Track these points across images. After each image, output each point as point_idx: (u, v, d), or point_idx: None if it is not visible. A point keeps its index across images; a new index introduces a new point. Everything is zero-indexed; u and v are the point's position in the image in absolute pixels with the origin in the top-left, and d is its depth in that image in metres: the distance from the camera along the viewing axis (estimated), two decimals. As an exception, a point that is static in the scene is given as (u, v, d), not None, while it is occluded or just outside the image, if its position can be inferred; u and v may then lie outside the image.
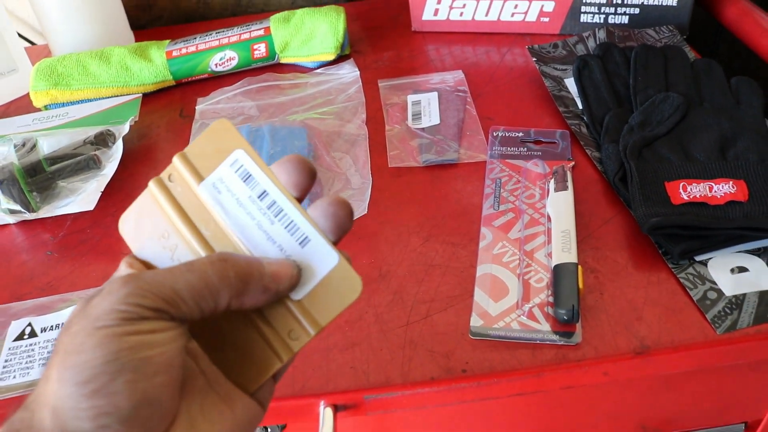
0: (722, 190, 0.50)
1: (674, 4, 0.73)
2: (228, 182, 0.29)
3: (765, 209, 0.48)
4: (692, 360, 0.43)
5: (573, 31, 0.75)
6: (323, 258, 0.28)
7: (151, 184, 0.30)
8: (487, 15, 0.76)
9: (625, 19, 0.75)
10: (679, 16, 0.74)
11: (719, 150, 0.54)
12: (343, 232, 0.29)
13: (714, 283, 0.46)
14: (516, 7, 0.75)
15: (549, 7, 0.75)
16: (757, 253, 0.48)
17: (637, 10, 0.75)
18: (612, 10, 0.75)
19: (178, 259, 0.29)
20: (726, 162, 0.53)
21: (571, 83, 0.67)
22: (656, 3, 0.74)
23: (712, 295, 0.46)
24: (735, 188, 0.50)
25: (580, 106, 0.64)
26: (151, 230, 0.30)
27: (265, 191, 0.29)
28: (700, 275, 0.47)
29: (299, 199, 0.29)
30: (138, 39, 0.82)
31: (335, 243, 0.28)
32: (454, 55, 0.74)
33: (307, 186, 0.29)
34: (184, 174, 0.30)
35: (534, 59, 0.70)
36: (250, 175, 0.29)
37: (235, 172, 0.29)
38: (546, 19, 0.76)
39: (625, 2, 0.74)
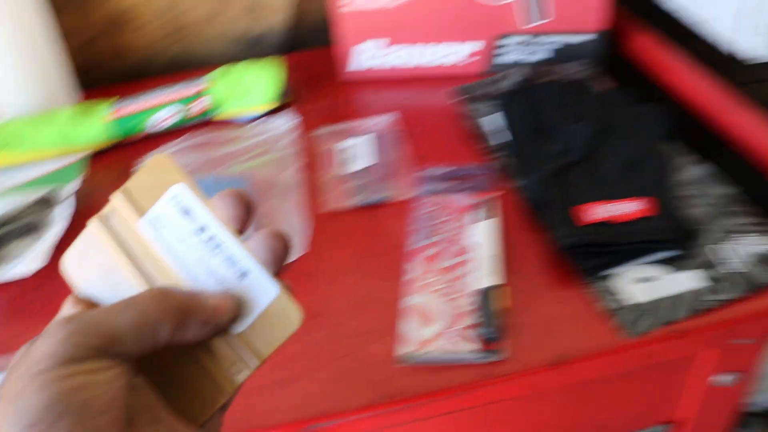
0: (630, 207, 0.56)
1: (592, 38, 0.81)
2: (167, 217, 0.30)
3: (668, 223, 0.55)
4: (607, 365, 0.48)
5: (498, 69, 0.82)
6: (263, 290, 0.29)
7: (93, 222, 0.31)
8: (416, 60, 0.82)
9: (547, 55, 0.82)
10: (597, 49, 0.81)
11: (628, 172, 0.60)
12: (282, 263, 0.30)
13: (624, 293, 0.52)
14: (443, 50, 0.82)
15: (474, 48, 0.81)
16: (664, 262, 0.54)
17: (557, 46, 0.82)
18: (534, 47, 0.82)
19: (122, 296, 0.29)
20: (634, 182, 0.59)
21: (496, 119, 0.73)
22: (575, 40, 0.81)
23: (623, 303, 0.51)
24: (643, 205, 0.56)
25: (506, 140, 0.70)
26: (94, 268, 0.30)
27: (204, 225, 0.30)
28: (611, 287, 0.52)
29: (239, 232, 0.30)
30: (85, 98, 0.86)
31: (275, 274, 0.29)
32: (387, 99, 0.80)
33: (245, 218, 0.30)
34: (124, 210, 0.30)
35: (461, 98, 0.76)
36: (189, 210, 0.30)
37: (174, 207, 0.30)
38: (472, 60, 0.82)
39: (547, 39, 0.82)
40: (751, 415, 0.73)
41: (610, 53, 0.82)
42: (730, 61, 0.67)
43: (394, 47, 0.82)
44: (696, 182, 0.62)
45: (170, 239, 0.30)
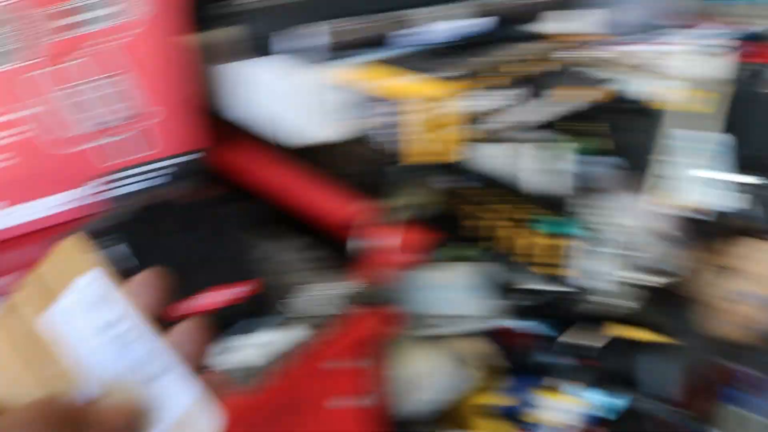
0: (232, 293, 0.70)
1: (196, 156, 0.95)
2: (79, 307, 0.28)
3: (263, 297, 0.70)
4: (233, 425, 0.60)
5: (117, 202, 0.91)
6: (180, 392, 0.27)
7: None
8: (29, 216, 0.88)
9: (162, 179, 0.95)
10: (202, 165, 0.95)
11: (231, 264, 0.75)
12: (203, 360, 0.28)
13: (238, 361, 0.65)
14: (52, 201, 0.89)
15: (82, 192, 0.89)
16: (276, 325, 0.69)
17: (168, 169, 0.94)
18: (147, 175, 0.93)
19: (16, 401, 0.26)
20: (236, 271, 0.74)
21: (121, 249, 0.82)
22: (182, 160, 0.95)
23: (236, 370, 0.64)
24: (246, 288, 0.70)
25: (132, 266, 0.79)
26: None
27: (117, 317, 0.27)
28: (230, 360, 0.65)
29: (159, 320, 0.28)
30: None
31: (198, 371, 0.28)
32: (11, 260, 0.84)
33: (165, 303, 0.29)
34: (33, 299, 0.28)
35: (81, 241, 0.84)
36: (102, 299, 0.28)
37: (87, 296, 0.28)
38: (86, 201, 0.90)
39: (157, 165, 0.94)
40: (404, 424, 0.89)
41: (214, 165, 0.98)
42: (283, 150, 0.88)
43: (8, 210, 0.86)
44: (291, 254, 0.79)
45: (81, 333, 0.28)
